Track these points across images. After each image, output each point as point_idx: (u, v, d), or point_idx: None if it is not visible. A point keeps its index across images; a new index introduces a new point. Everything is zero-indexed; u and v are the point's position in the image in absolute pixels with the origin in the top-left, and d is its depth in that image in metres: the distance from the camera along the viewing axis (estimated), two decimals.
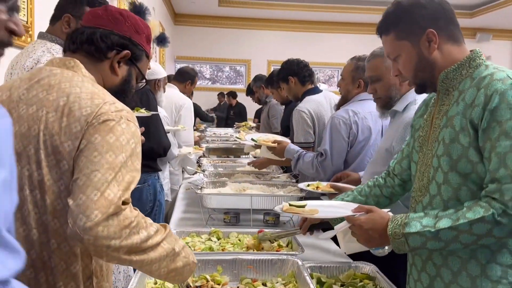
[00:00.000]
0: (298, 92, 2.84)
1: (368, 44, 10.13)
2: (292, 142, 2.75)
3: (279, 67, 3.01)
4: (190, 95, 3.82)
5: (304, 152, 2.37)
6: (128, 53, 1.15)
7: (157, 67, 2.83)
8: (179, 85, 3.64)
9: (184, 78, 3.76)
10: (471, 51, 1.23)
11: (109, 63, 1.14)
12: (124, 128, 0.99)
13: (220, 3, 8.45)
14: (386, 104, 1.84)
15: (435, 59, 1.22)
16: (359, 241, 1.23)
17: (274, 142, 1.94)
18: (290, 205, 1.49)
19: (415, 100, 1.77)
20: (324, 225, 1.55)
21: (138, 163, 1.01)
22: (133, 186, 0.99)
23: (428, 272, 1.21)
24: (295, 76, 2.81)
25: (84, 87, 1.03)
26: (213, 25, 9.67)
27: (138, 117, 1.97)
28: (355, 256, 1.55)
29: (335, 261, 1.61)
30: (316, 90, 2.81)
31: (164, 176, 2.92)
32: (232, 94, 9.33)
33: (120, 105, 1.05)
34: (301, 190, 2.07)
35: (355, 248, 1.34)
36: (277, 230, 1.75)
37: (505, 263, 1.10)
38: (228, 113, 9.27)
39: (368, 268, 1.50)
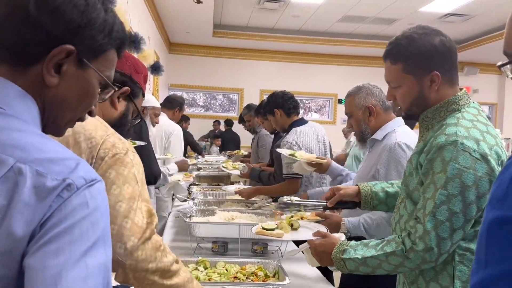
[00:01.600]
0: (285, 123, 2.91)
1: (359, 75, 10.44)
2: (280, 173, 2.78)
3: (265, 100, 3.08)
4: (181, 121, 3.87)
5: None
6: (128, 90, 1.22)
7: (147, 96, 2.88)
8: (168, 112, 3.71)
9: (172, 105, 3.84)
10: (460, 89, 1.32)
11: (110, 98, 1.19)
12: (132, 159, 1.06)
13: (214, 33, 8.63)
14: (360, 138, 2.05)
15: (430, 98, 1.31)
16: (315, 259, 1.43)
17: (318, 215, 1.94)
18: (262, 228, 1.68)
19: (394, 129, 1.92)
20: (349, 205, 1.64)
21: (146, 192, 1.07)
22: (154, 211, 1.05)
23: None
24: (280, 109, 2.88)
25: (89, 121, 1.07)
26: (207, 55, 9.84)
27: None
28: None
29: None
30: (302, 122, 2.89)
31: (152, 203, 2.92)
32: (228, 122, 9.40)
33: (121, 137, 1.10)
34: (284, 203, 2.07)
35: (316, 264, 1.51)
36: (304, 201, 1.83)
37: (444, 284, 1.23)
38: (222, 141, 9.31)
39: None
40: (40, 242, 0.58)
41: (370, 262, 1.26)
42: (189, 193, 3.20)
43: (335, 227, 1.80)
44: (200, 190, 3.15)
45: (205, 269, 1.71)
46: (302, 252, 1.50)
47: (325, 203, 1.64)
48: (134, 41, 4.60)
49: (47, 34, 0.67)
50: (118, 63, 1.25)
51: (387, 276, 1.35)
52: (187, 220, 2.09)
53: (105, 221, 0.64)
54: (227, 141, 9.05)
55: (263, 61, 10.04)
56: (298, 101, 2.99)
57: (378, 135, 1.96)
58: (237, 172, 3.33)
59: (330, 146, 3.03)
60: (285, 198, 1.66)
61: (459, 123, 1.22)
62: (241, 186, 3.28)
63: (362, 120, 2.01)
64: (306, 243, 1.46)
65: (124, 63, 1.24)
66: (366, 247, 1.29)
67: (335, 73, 10.00)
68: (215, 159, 6.01)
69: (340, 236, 1.46)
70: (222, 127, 9.54)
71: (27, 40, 0.67)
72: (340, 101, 9.86)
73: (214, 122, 9.82)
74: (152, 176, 2.46)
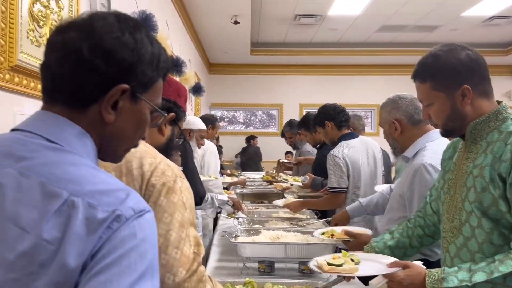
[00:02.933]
0: (334, 136, 2.88)
1: (400, 84, 10.20)
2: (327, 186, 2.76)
3: (316, 111, 3.07)
4: (213, 139, 3.99)
5: None
6: (173, 115, 1.25)
7: (193, 119, 2.98)
8: None
9: (205, 124, 3.93)
10: (498, 102, 1.30)
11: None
12: (181, 186, 1.07)
13: (252, 51, 8.75)
14: (393, 152, 2.02)
15: (466, 112, 1.29)
16: None
17: (348, 234, 1.90)
18: (328, 263, 1.45)
19: (425, 146, 1.83)
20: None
21: (194, 217, 1.10)
22: (200, 240, 1.08)
23: None
24: (331, 121, 2.86)
25: (140, 149, 1.11)
26: (246, 73, 9.98)
27: None
28: None
29: None
30: (352, 135, 2.85)
31: (197, 224, 2.97)
32: (247, 138, 9.60)
33: (169, 162, 1.13)
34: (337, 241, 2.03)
35: None
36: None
37: None
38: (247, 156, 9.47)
39: None
40: (90, 273, 0.60)
41: (482, 287, 1.15)
42: (234, 212, 3.23)
43: (363, 247, 1.71)
44: (244, 209, 3.16)
45: None
46: None
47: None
48: (176, 65, 4.78)
49: (102, 76, 0.70)
50: (164, 90, 1.31)
51: None
52: (233, 240, 2.11)
53: (153, 252, 0.66)
54: (250, 156, 9.20)
55: (301, 75, 10.05)
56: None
57: (409, 152, 1.89)
58: (299, 183, 3.34)
59: (382, 162, 2.95)
60: (312, 263, 1.48)
61: None
62: (289, 198, 3.28)
63: (390, 134, 1.97)
64: (379, 277, 1.30)
65: (168, 88, 1.25)
66: (468, 271, 1.17)
67: (376, 83, 9.83)
68: (257, 176, 6.02)
69: (420, 264, 1.32)
70: (258, 143, 9.70)
71: (84, 83, 0.70)
72: None
73: (246, 139, 9.93)
74: (198, 196, 2.51)
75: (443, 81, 1.30)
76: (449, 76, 1.29)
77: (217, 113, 10.77)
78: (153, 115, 0.80)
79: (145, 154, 1.10)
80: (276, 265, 2.08)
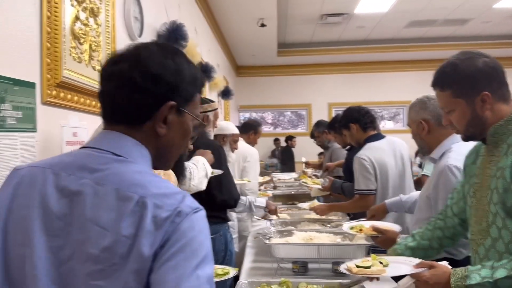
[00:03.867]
0: (360, 138, 2.89)
1: (430, 80, 9.94)
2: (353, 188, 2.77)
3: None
4: (256, 144, 4.06)
5: None
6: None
7: (226, 124, 3.08)
8: (243, 136, 3.90)
9: (247, 129, 4.07)
10: None
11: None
12: None
13: (279, 53, 8.80)
14: (421, 152, 2.09)
15: (486, 117, 1.33)
16: None
17: (375, 230, 1.90)
18: (357, 266, 1.51)
19: (451, 148, 1.86)
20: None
21: None
22: None
23: None
24: (356, 123, 2.87)
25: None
26: (273, 74, 10.04)
27: None
28: None
29: None
30: (379, 137, 2.84)
31: (233, 225, 3.05)
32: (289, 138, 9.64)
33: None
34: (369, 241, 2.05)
35: None
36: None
37: None
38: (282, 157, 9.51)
39: None
40: (161, 260, 0.73)
41: (502, 284, 1.18)
42: (266, 213, 3.30)
43: (390, 243, 1.75)
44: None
45: None
46: None
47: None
48: (206, 71, 4.90)
49: (153, 96, 0.84)
50: None
51: None
52: (267, 242, 2.17)
53: (209, 241, 0.78)
54: (287, 158, 9.24)
55: (329, 74, 10.02)
56: (374, 114, 2.96)
57: (435, 153, 1.92)
58: (318, 186, 3.37)
59: (410, 162, 2.94)
60: (343, 267, 1.53)
61: None
62: (315, 202, 3.31)
63: (417, 134, 2.00)
64: (407, 278, 1.36)
65: None
66: (490, 268, 1.21)
67: (407, 79, 9.68)
68: (288, 177, 6.06)
69: (446, 264, 1.36)
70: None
71: (139, 104, 0.84)
72: None
73: (275, 140, 9.96)
74: (232, 199, 2.59)
75: (462, 89, 1.35)
76: (468, 83, 1.34)
77: (246, 115, 10.89)
78: (195, 125, 0.94)
79: None
80: (310, 266, 2.13)
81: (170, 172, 1.29)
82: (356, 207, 2.79)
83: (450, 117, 1.41)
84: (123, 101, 0.84)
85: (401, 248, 1.63)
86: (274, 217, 2.93)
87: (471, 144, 1.89)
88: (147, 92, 0.83)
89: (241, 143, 3.65)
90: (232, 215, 3.05)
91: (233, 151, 3.07)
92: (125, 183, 0.78)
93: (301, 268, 2.11)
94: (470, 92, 1.34)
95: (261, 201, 2.95)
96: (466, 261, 1.58)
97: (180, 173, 1.46)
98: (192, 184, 2.03)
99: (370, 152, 2.72)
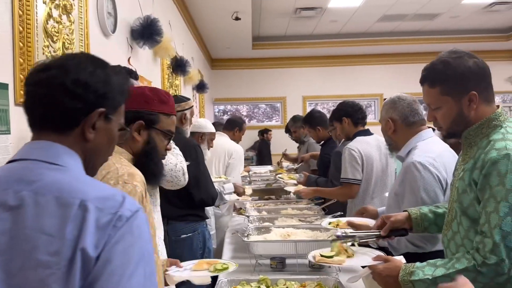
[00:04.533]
0: (350, 132, 3.02)
1: (403, 73, 10.15)
2: (337, 177, 2.85)
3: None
4: (240, 141, 4.13)
5: None
6: (141, 123, 1.42)
7: (204, 122, 3.08)
8: (228, 132, 4.01)
9: (232, 126, 4.15)
10: (497, 106, 1.38)
11: (130, 135, 1.41)
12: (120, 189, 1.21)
13: (254, 46, 8.80)
14: (388, 147, 2.17)
15: (470, 117, 1.37)
16: (380, 284, 1.44)
17: (350, 225, 1.99)
18: (321, 255, 1.70)
19: (416, 146, 1.95)
20: (401, 232, 1.68)
21: None
22: None
23: None
24: (349, 117, 3.00)
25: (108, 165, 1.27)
26: (248, 67, 10.03)
27: (189, 170, 2.16)
28: None
29: None
30: (367, 133, 2.99)
31: (210, 222, 3.07)
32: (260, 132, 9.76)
33: (123, 170, 1.27)
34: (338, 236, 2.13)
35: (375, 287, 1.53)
36: (358, 233, 1.78)
37: None
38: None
39: None
40: (100, 264, 0.75)
41: (441, 281, 1.26)
42: (241, 209, 3.33)
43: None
44: (253, 206, 3.25)
45: (267, 287, 1.80)
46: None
47: (379, 233, 1.65)
48: (180, 65, 4.85)
49: (84, 103, 0.87)
50: (126, 103, 1.43)
51: None
52: (245, 239, 2.20)
53: (147, 244, 0.81)
54: (264, 151, 9.30)
55: (303, 68, 10.09)
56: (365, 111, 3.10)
57: (402, 152, 2.01)
58: (293, 181, 3.44)
59: (394, 160, 3.04)
60: (339, 232, 1.70)
61: (506, 138, 1.29)
62: (300, 186, 3.38)
63: (385, 132, 2.11)
64: (366, 269, 1.48)
65: (131, 101, 1.40)
66: (434, 266, 1.31)
67: (379, 73, 9.86)
68: (264, 170, 6.10)
69: (401, 259, 1.48)
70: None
71: (69, 110, 0.87)
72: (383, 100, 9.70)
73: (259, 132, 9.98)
74: (210, 198, 2.61)
75: (452, 87, 1.37)
76: (459, 82, 1.36)
77: (220, 107, 10.85)
78: (120, 132, 0.99)
79: (107, 167, 1.26)
80: (287, 261, 2.17)
81: (135, 172, 1.30)
82: (340, 194, 2.92)
83: (435, 114, 1.43)
84: (53, 107, 0.86)
85: (424, 210, 1.67)
86: (251, 213, 2.96)
87: (436, 142, 2.00)
88: (78, 98, 0.86)
89: (226, 140, 3.73)
90: (209, 211, 3.06)
91: (208, 149, 3.09)
92: (64, 190, 0.80)
93: (279, 264, 2.15)
94: (459, 91, 1.36)
95: (229, 187, 3.00)
96: (433, 255, 1.66)
97: (157, 172, 1.46)
98: (186, 177, 2.08)
99: (359, 144, 2.84)
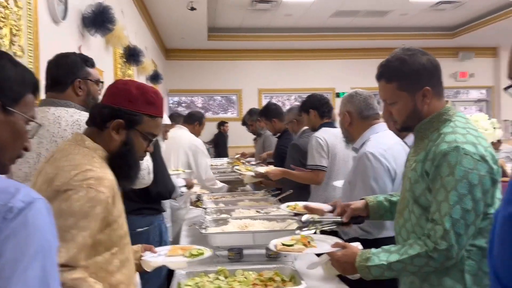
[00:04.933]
0: (316, 124, 3.14)
1: (356, 68, 10.42)
2: (299, 164, 2.96)
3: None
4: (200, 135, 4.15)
5: None
6: (121, 122, 1.30)
7: None
8: (188, 126, 4.01)
9: (192, 120, 4.14)
10: (446, 102, 1.46)
11: (108, 132, 1.32)
12: (81, 195, 1.16)
13: (209, 37, 8.72)
14: (345, 139, 2.26)
15: (423, 111, 1.44)
16: (337, 270, 1.52)
17: (306, 208, 2.02)
18: (282, 244, 1.75)
19: (370, 138, 2.08)
20: (359, 219, 1.75)
21: (95, 224, 1.18)
22: (83, 247, 1.15)
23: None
24: (316, 110, 3.12)
25: (73, 160, 1.23)
26: (203, 58, 9.93)
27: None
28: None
29: None
30: (333, 125, 3.13)
31: (166, 215, 3.04)
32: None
33: (91, 173, 1.21)
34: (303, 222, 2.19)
35: (335, 273, 1.61)
36: (324, 219, 1.81)
37: (456, 279, 1.34)
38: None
39: None
40: None
41: (395, 266, 1.35)
42: (198, 201, 3.32)
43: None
44: (210, 198, 3.25)
45: (225, 278, 1.82)
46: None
47: (341, 220, 1.71)
48: (133, 55, 4.73)
49: None
50: (106, 99, 1.34)
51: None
52: (203, 231, 2.20)
53: (45, 236, 0.77)
54: (220, 143, 9.31)
55: (259, 60, 10.12)
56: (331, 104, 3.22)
57: (357, 143, 2.14)
58: (251, 173, 3.48)
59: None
60: (306, 217, 1.74)
61: (455, 131, 1.36)
62: (271, 166, 3.43)
63: (342, 124, 2.23)
64: (325, 255, 1.54)
65: (114, 96, 1.33)
66: (388, 252, 1.38)
67: (332, 67, 10.08)
68: (220, 162, 6.08)
69: (358, 245, 1.55)
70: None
71: None
72: (337, 95, 9.94)
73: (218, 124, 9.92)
74: (167, 191, 2.58)
75: (407, 83, 1.44)
76: (413, 78, 1.43)
77: (175, 99, 10.69)
78: (31, 125, 0.94)
79: (74, 167, 1.22)
80: (245, 252, 2.20)
81: (105, 176, 1.25)
82: (306, 179, 3.03)
83: (391, 108, 1.50)
84: None
85: (380, 198, 1.76)
86: (208, 205, 2.96)
87: (388, 135, 2.11)
88: None
89: (186, 133, 3.70)
90: (165, 204, 3.03)
91: (163, 140, 3.05)
92: None
93: (237, 255, 2.17)
94: (414, 86, 1.43)
95: (181, 182, 3.00)
96: (384, 241, 1.73)
97: (131, 176, 1.37)
98: (150, 177, 2.02)
99: (326, 134, 2.98)
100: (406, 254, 1.34)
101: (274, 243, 1.78)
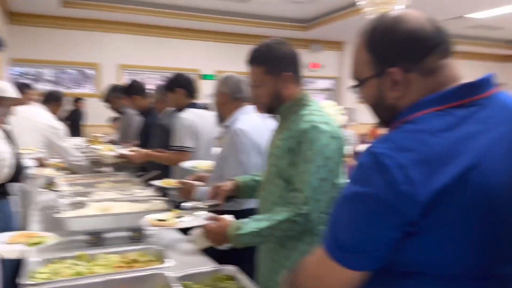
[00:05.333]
0: (182, 103, 3.12)
1: (219, 52, 10.55)
2: (164, 147, 3.01)
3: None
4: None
5: None
6: None
7: (4, 85, 2.65)
8: (46, 105, 3.83)
9: (51, 99, 4.01)
10: (302, 91, 1.66)
11: None
12: None
13: (64, 4, 7.88)
14: (218, 118, 2.47)
15: (284, 95, 1.63)
16: (211, 242, 1.62)
17: (180, 182, 2.23)
18: (156, 220, 1.83)
19: (239, 117, 2.31)
20: (230, 201, 1.90)
21: None
22: None
23: (268, 259, 1.66)
24: (182, 88, 3.12)
25: None
26: (56, 26, 8.95)
27: None
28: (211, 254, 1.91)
29: (202, 267, 1.78)
30: (199, 105, 3.15)
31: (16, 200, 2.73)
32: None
33: None
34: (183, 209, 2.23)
35: (205, 245, 1.69)
36: (199, 205, 1.93)
37: (308, 242, 1.56)
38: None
39: (230, 270, 1.71)
40: None
41: (264, 232, 1.50)
42: (50, 184, 3.06)
43: (187, 193, 2.06)
44: (66, 181, 3.01)
45: (87, 263, 1.73)
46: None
47: (217, 203, 1.85)
48: None
49: None
50: None
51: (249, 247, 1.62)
52: (59, 215, 2.05)
53: None
54: (75, 121, 8.66)
55: (120, 33, 9.53)
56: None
57: (228, 121, 2.34)
58: (113, 153, 3.33)
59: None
60: (189, 204, 1.83)
61: (312, 113, 1.57)
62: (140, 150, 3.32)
63: (216, 104, 2.43)
64: (198, 229, 1.65)
65: None
66: (257, 221, 1.53)
67: (197, 49, 10.05)
68: (75, 142, 5.63)
69: (230, 217, 1.67)
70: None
71: None
72: (202, 77, 10.00)
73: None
74: (16, 172, 2.32)
75: (273, 67, 1.62)
76: (279, 63, 1.61)
77: (20, 69, 9.46)
78: None
79: None
80: (107, 235, 2.12)
81: None
82: (172, 160, 3.02)
83: (259, 91, 1.66)
84: None
85: (247, 178, 1.92)
86: (63, 187, 2.74)
87: (255, 116, 2.32)
88: None
89: (42, 111, 3.52)
90: (14, 187, 2.72)
91: (9, 117, 2.71)
92: None
93: (97, 239, 2.08)
94: (278, 71, 1.61)
95: (31, 162, 2.81)
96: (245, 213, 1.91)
97: None
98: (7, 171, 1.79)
99: (192, 115, 2.99)
100: (274, 221, 1.49)
101: (146, 220, 1.84)
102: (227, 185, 1.88)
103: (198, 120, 3.00)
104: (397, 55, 0.90)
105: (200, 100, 3.33)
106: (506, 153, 0.82)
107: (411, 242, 0.82)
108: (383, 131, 0.93)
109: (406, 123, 0.87)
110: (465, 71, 0.91)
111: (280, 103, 1.65)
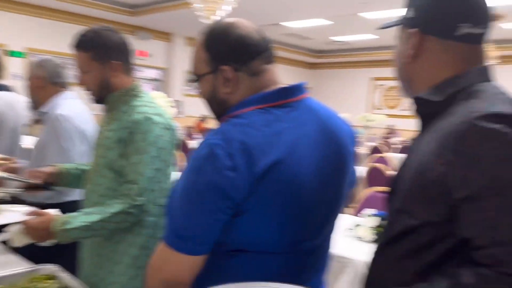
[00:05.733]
0: None
1: (32, 27, 9.38)
2: None
3: None
4: None
5: None
6: None
7: None
8: None
9: None
10: (133, 81, 1.64)
11: None
12: None
13: None
14: (31, 105, 2.29)
15: (113, 84, 1.58)
16: (31, 238, 1.48)
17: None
18: None
19: (59, 103, 2.17)
20: (46, 186, 1.77)
21: None
22: None
23: (92, 254, 1.60)
24: None
25: None
26: None
27: None
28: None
29: (17, 269, 1.61)
30: (4, 87, 2.70)
31: None
32: None
33: None
34: None
35: (26, 242, 1.54)
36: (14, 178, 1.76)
37: (136, 233, 1.53)
38: None
39: (49, 269, 1.59)
40: None
41: (96, 225, 1.43)
42: None
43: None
44: None
45: None
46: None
47: (34, 182, 1.71)
48: None
49: None
50: None
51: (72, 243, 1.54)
52: None
53: None
54: None
55: None
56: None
57: (46, 108, 2.18)
58: None
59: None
60: (4, 175, 1.58)
61: (145, 105, 1.56)
62: None
63: (33, 88, 2.23)
64: (16, 225, 1.49)
65: None
66: (87, 214, 1.45)
67: (5, 21, 8.67)
68: None
69: (55, 211, 1.56)
70: None
71: None
72: (9, 53, 8.68)
73: None
74: None
75: (101, 54, 1.55)
76: (107, 50, 1.56)
77: None
78: None
79: None
80: None
81: None
82: None
83: (85, 77, 1.58)
84: None
85: (69, 166, 1.81)
86: None
87: (77, 103, 2.24)
88: None
89: None
90: None
91: None
92: None
93: None
94: (107, 58, 1.56)
95: None
96: (66, 206, 1.85)
97: None
98: None
99: None
100: (107, 213, 1.43)
101: None
102: (45, 170, 1.74)
103: (2, 104, 2.63)
104: (228, 55, 1.02)
105: (5, 81, 2.84)
106: (310, 147, 0.99)
107: (235, 223, 0.93)
108: (208, 124, 1.05)
109: (235, 117, 0.99)
110: (281, 75, 1.09)
111: (109, 92, 1.59)
